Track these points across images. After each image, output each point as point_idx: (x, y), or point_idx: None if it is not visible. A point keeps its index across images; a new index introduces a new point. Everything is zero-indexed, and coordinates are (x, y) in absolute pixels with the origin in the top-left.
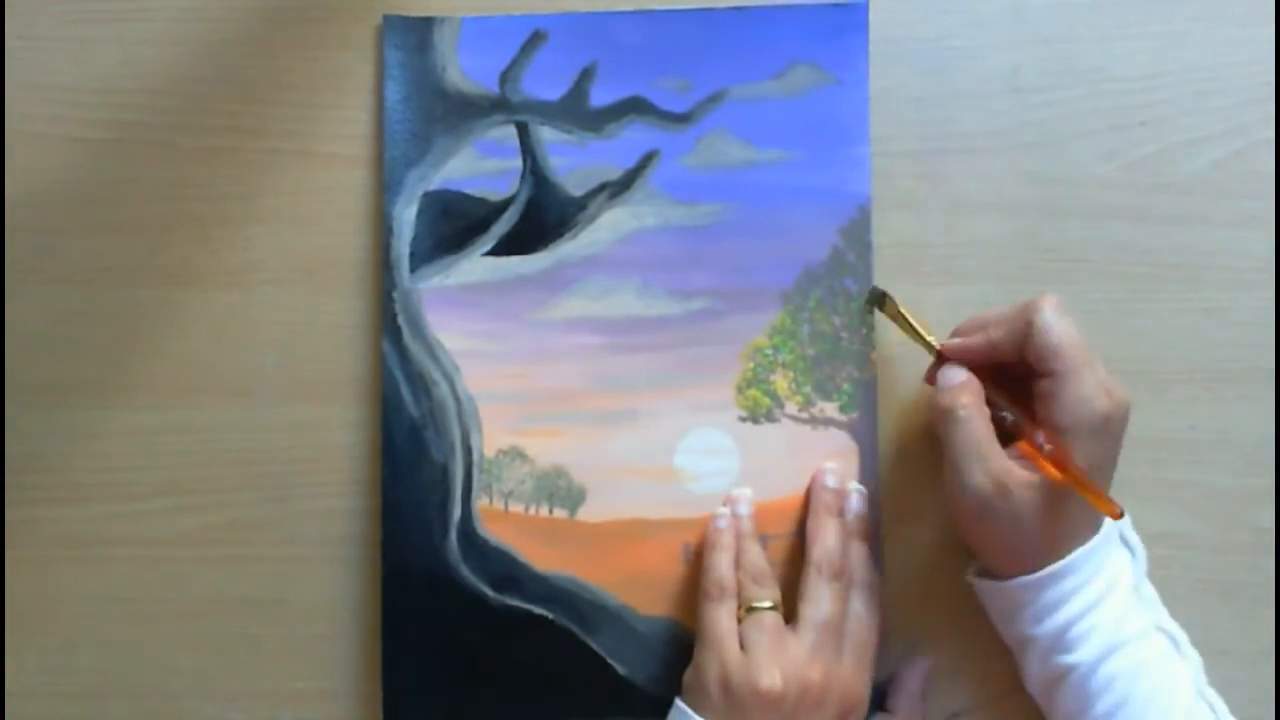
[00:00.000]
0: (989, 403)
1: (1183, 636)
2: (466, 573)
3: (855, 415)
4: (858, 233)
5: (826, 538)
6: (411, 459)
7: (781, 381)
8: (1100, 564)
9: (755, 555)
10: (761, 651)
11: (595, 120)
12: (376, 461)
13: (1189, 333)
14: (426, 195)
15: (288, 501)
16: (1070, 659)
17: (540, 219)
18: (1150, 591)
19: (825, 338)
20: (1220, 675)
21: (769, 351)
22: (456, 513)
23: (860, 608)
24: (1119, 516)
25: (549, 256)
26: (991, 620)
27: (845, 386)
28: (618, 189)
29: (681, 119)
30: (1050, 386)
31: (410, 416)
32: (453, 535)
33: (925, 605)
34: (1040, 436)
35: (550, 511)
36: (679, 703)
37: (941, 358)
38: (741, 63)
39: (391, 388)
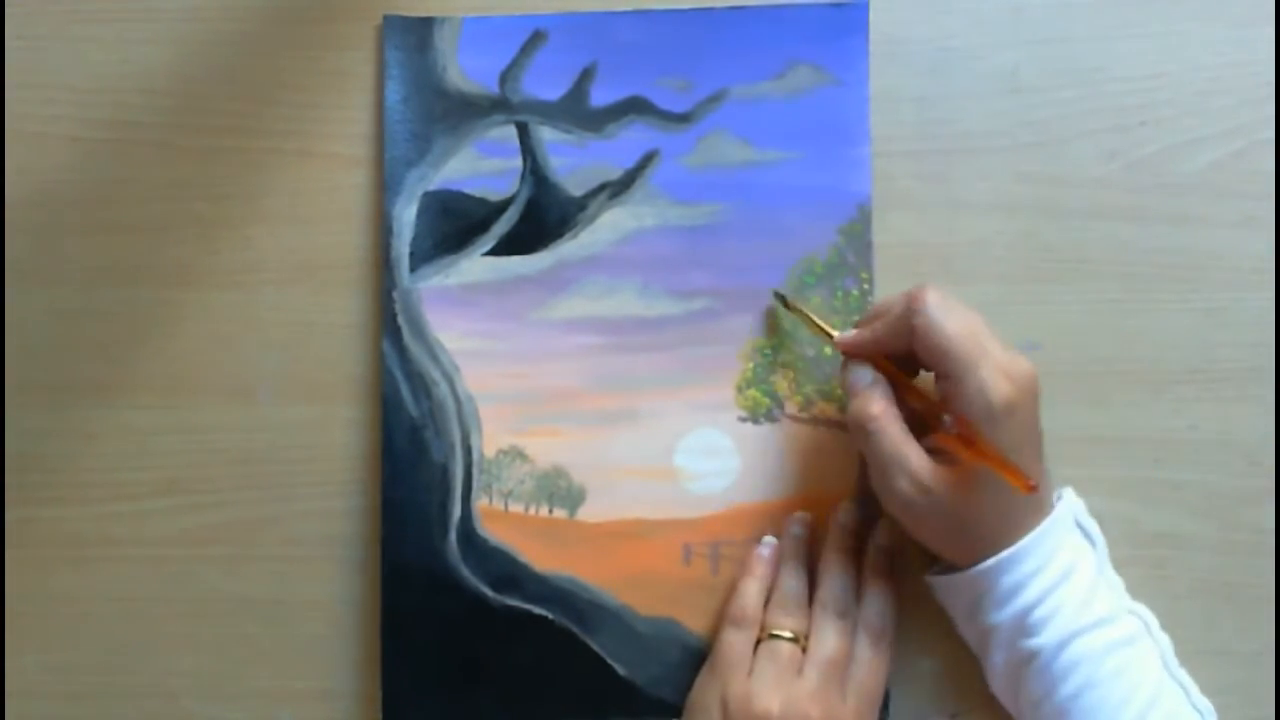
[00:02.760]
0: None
1: (1152, 619)
2: (466, 573)
3: None
4: (858, 233)
5: (836, 575)
6: (411, 459)
7: (781, 381)
8: (1055, 548)
9: (793, 582)
10: (766, 679)
11: (595, 120)
12: (376, 461)
13: (1189, 333)
14: (427, 195)
15: (288, 501)
16: (1034, 642)
17: (540, 219)
18: (1115, 578)
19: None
20: (1220, 675)
21: (769, 351)
22: (456, 513)
23: (867, 652)
24: (1031, 490)
25: (549, 256)
26: (954, 621)
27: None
28: (618, 189)
29: (681, 119)
30: (946, 385)
31: (410, 416)
32: (452, 535)
33: (925, 605)
34: (946, 419)
35: (550, 511)
36: None
37: (840, 346)
38: (741, 63)
39: (391, 388)
